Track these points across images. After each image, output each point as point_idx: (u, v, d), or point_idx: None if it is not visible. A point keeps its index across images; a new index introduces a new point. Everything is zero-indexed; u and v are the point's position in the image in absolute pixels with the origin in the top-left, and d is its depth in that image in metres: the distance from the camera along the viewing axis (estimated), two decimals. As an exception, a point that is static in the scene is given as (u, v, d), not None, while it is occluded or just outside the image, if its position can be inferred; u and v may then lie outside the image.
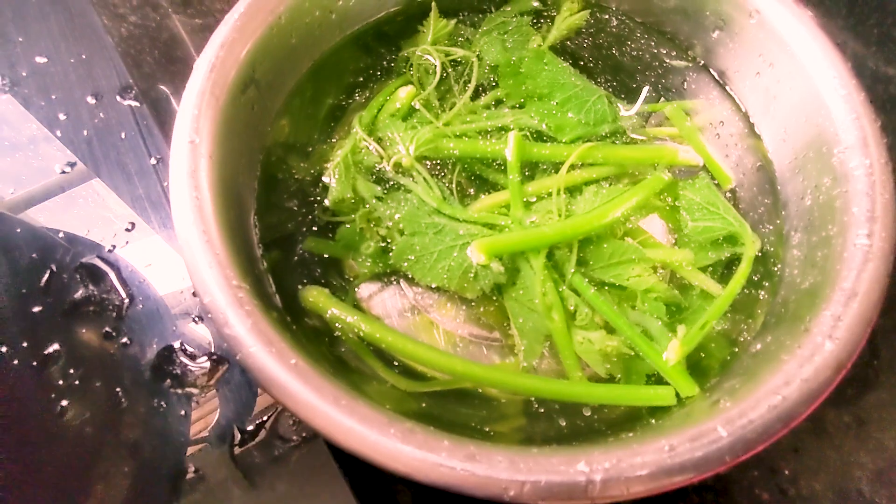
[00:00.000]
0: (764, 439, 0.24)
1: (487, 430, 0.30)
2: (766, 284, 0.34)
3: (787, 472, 0.38)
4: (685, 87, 0.41)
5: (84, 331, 0.28)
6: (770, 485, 0.38)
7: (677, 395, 0.30)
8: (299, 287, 0.33)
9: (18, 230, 0.30)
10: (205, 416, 0.29)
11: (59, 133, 0.33)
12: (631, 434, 0.27)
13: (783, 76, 0.36)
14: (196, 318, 0.29)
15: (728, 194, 0.37)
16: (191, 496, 0.25)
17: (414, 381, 0.33)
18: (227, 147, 0.32)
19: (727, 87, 0.40)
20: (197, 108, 0.31)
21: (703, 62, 0.42)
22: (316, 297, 0.33)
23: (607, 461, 0.23)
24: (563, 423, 0.31)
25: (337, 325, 0.33)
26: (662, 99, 0.41)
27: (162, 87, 0.37)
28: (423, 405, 0.32)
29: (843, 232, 0.29)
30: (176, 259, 0.30)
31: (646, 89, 0.41)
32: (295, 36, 0.37)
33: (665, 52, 0.42)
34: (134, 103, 0.34)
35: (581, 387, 0.32)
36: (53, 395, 0.27)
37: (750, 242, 0.34)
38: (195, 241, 0.27)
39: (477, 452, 0.23)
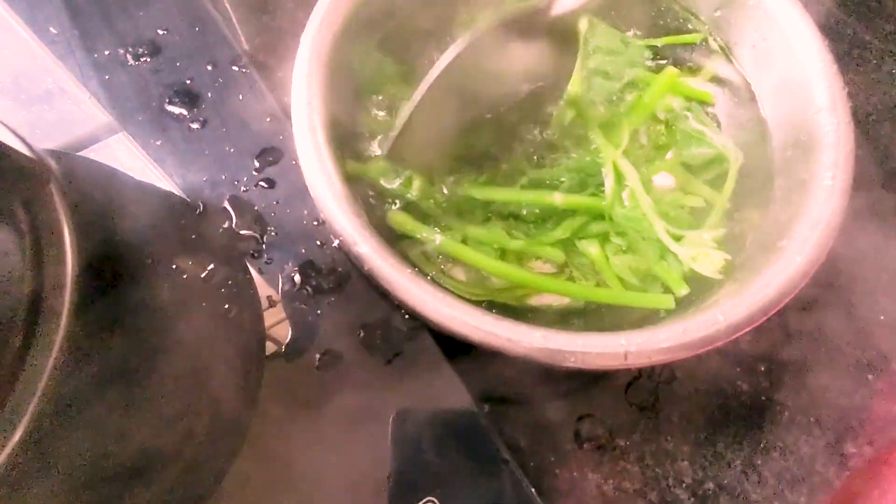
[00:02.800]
0: (748, 324, 0.33)
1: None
2: (756, 218, 0.43)
3: (762, 368, 0.48)
4: (696, 52, 0.49)
5: (233, 253, 0.37)
6: (749, 377, 0.48)
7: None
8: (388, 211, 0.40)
9: (171, 175, 0.38)
10: (275, 335, 0.37)
11: (186, 98, 0.40)
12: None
13: (774, 49, 0.44)
14: (319, 242, 0.37)
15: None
16: (333, 370, 0.34)
17: (475, 290, 0.41)
18: (330, 106, 0.39)
19: (730, 56, 0.48)
20: (309, 76, 0.38)
21: (711, 33, 0.49)
22: (402, 220, 0.40)
23: (640, 338, 0.32)
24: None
25: (411, 251, 0.40)
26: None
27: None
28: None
29: (813, 176, 0.38)
30: (300, 196, 0.38)
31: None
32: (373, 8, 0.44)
33: (682, 21, 0.50)
34: (245, 70, 0.41)
35: (617, 293, 0.41)
36: (218, 299, 0.35)
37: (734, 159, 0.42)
38: (322, 185, 0.35)
39: (545, 333, 0.32)
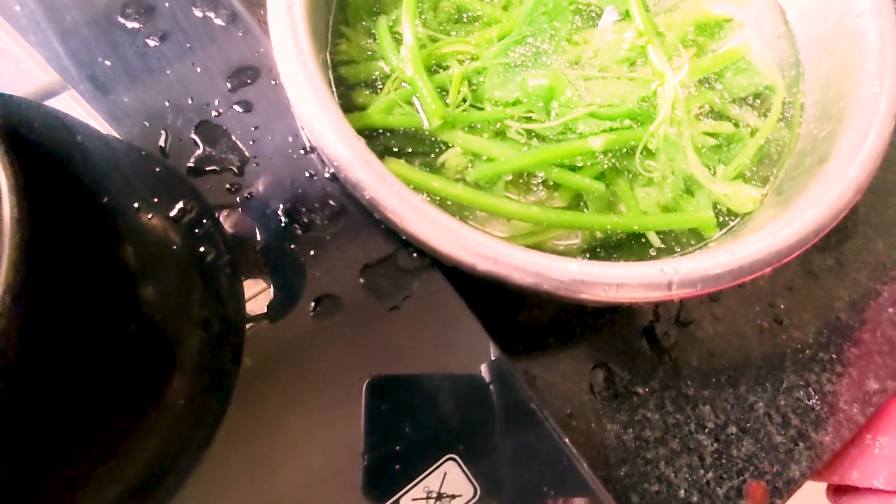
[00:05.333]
0: (801, 245, 0.30)
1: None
2: (785, 137, 0.39)
3: (782, 306, 0.46)
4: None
5: (208, 187, 0.31)
6: (769, 316, 0.46)
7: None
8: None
9: (125, 99, 0.32)
10: (255, 296, 0.32)
11: (141, 9, 0.34)
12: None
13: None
14: (308, 173, 0.32)
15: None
16: (331, 319, 0.30)
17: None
18: (316, 12, 0.33)
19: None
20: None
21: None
22: (398, 168, 0.35)
23: (685, 265, 0.28)
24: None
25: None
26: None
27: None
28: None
29: (857, 85, 0.34)
30: (284, 120, 0.32)
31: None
32: None
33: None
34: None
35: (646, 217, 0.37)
36: (191, 241, 0.30)
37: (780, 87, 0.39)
38: (310, 105, 0.30)
39: (580, 264, 0.28)
